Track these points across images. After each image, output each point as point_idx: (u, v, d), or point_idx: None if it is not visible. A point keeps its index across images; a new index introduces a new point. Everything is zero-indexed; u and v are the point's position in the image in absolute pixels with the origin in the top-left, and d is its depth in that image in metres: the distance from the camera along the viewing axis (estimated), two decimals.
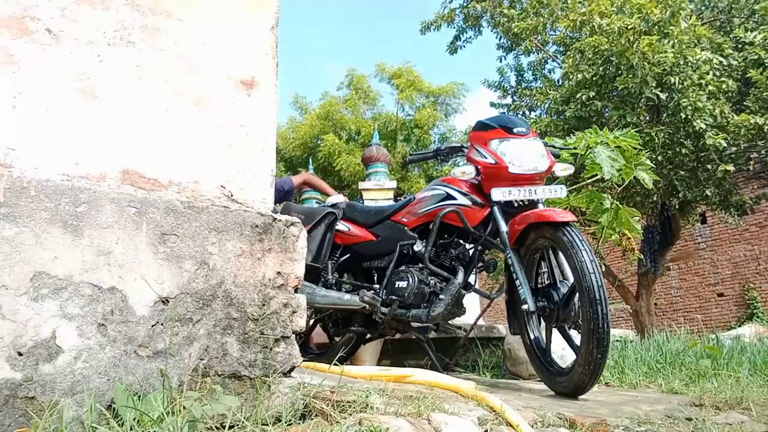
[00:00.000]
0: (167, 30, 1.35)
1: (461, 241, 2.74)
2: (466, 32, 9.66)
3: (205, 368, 1.21)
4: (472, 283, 2.80)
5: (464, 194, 2.60)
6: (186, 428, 1.04)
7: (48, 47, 1.21)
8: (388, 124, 14.93)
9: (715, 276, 13.53)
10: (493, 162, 2.47)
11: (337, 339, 3.20)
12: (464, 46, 9.78)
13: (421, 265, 2.70)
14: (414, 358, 3.44)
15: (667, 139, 6.74)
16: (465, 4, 9.30)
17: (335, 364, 1.70)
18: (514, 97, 9.63)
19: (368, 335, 3.09)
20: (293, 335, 1.33)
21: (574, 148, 3.06)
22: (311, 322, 3.21)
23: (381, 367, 2.22)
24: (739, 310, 12.86)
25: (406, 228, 2.84)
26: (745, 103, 6.81)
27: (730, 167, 6.64)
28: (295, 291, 1.36)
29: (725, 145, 6.45)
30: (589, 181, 3.09)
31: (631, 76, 6.54)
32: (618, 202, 3.08)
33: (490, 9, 8.80)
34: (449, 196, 2.64)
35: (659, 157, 6.78)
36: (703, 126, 6.38)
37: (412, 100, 15.16)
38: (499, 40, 9.39)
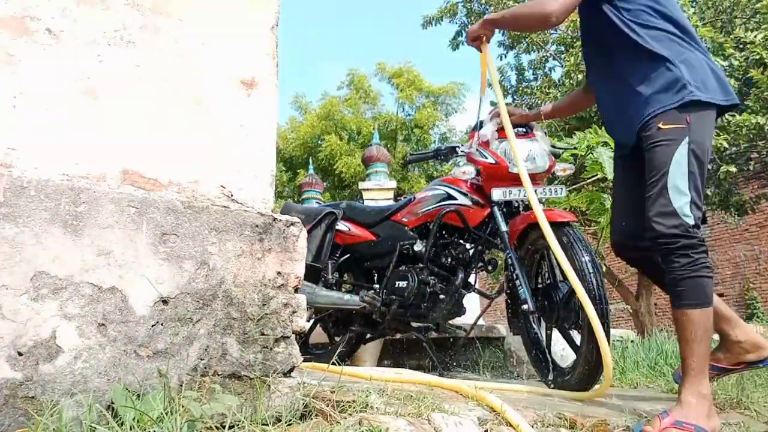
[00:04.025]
0: (167, 30, 1.35)
1: (461, 241, 2.74)
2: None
3: (205, 368, 1.21)
4: (472, 283, 2.80)
5: (464, 194, 2.60)
6: (185, 428, 1.04)
7: (48, 47, 1.21)
8: (388, 124, 14.94)
9: (715, 276, 13.49)
10: (494, 162, 2.47)
11: (337, 339, 3.20)
12: (466, 42, 9.73)
13: (421, 265, 2.70)
14: (414, 358, 3.44)
15: None
16: None
17: (335, 364, 1.70)
18: (514, 96, 9.61)
19: (368, 335, 3.09)
20: (293, 335, 1.33)
21: (575, 148, 3.06)
22: (311, 322, 3.22)
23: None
24: (739, 310, 12.83)
25: (406, 228, 2.84)
26: (746, 102, 6.80)
27: (732, 168, 6.63)
28: (295, 291, 1.36)
29: (726, 145, 6.43)
30: (589, 180, 3.10)
31: None
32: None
33: (495, 4, 8.76)
34: (449, 196, 2.64)
35: None
36: None
37: (413, 99, 15.18)
38: (502, 35, 9.35)
